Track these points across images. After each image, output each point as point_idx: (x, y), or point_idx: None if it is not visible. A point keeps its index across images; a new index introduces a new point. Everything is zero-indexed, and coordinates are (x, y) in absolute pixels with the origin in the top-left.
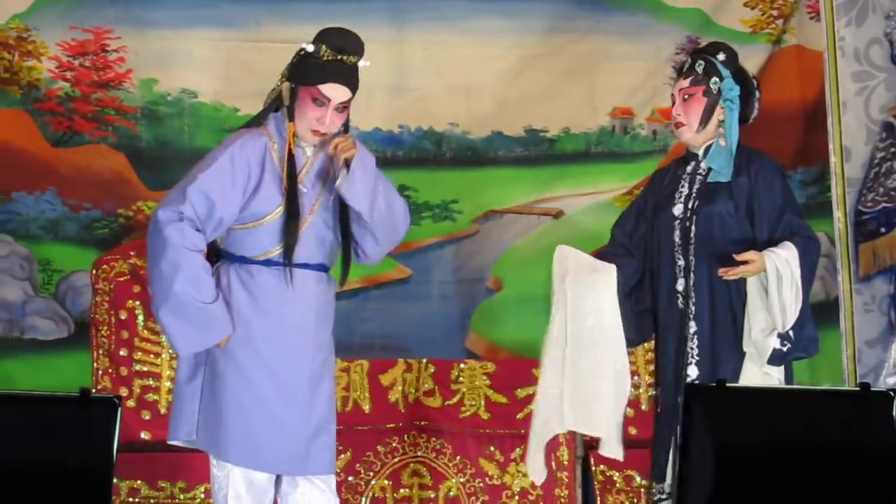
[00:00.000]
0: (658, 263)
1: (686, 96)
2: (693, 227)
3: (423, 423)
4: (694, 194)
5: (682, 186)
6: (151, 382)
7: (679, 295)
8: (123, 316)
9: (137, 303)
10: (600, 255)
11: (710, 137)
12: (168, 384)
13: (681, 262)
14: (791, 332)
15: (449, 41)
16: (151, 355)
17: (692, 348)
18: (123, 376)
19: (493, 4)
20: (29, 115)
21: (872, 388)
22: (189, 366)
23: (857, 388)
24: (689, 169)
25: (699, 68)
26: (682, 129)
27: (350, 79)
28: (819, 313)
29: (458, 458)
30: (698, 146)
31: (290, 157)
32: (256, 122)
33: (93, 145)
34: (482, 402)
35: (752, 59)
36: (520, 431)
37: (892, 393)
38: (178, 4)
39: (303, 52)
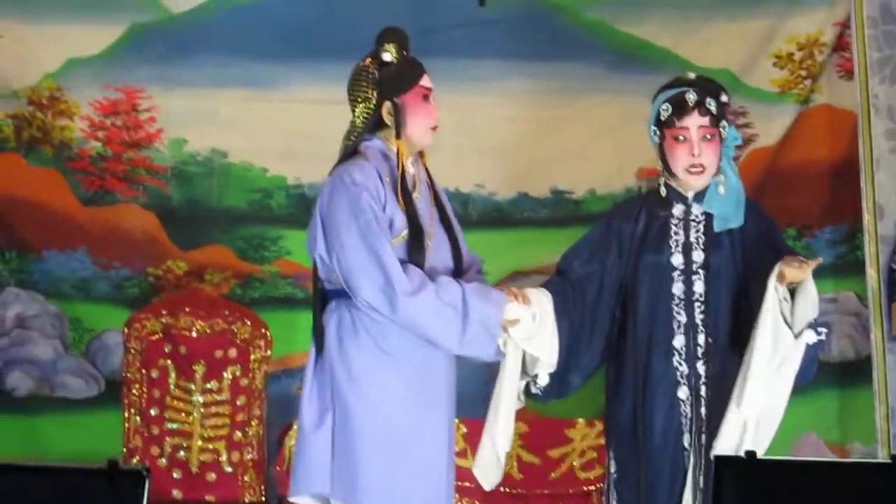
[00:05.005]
0: (648, 314)
1: (708, 136)
2: (701, 283)
3: (458, 483)
4: (694, 243)
5: (677, 234)
6: (183, 441)
7: (676, 352)
8: (155, 374)
9: (169, 361)
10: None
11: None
12: (199, 443)
13: (681, 318)
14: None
15: (477, 102)
16: (182, 414)
17: (684, 412)
18: (155, 435)
19: (521, 66)
20: (61, 174)
21: None
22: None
23: (889, 461)
24: (677, 213)
25: (711, 107)
26: (701, 175)
27: None
28: (848, 372)
29: None
30: (686, 189)
31: (404, 177)
32: (352, 153)
33: (123, 204)
34: (514, 462)
35: (780, 119)
36: (553, 492)
37: None
38: (208, 63)
39: (383, 65)
